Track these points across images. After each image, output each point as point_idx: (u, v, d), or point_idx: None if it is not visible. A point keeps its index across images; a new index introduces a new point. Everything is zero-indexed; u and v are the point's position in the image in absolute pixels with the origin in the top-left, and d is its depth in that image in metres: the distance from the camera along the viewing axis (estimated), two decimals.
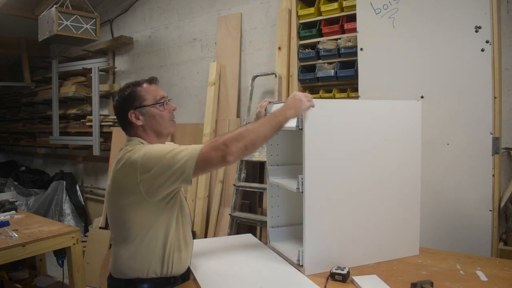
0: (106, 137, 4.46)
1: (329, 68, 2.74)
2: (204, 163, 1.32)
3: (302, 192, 1.55)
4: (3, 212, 2.80)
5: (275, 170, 1.93)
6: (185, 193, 3.41)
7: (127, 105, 1.47)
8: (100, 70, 4.52)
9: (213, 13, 3.67)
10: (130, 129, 1.51)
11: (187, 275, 1.57)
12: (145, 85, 1.51)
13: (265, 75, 3.19)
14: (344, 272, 1.48)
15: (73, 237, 2.41)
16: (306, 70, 2.90)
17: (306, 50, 2.87)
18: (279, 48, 3.04)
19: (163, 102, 1.50)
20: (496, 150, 1.93)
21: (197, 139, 3.54)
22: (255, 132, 1.37)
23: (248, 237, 2.07)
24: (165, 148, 1.37)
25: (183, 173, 1.31)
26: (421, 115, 1.75)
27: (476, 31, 1.94)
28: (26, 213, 2.96)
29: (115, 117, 4.85)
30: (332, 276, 1.49)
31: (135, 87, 1.50)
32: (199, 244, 1.88)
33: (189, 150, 1.33)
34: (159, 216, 1.42)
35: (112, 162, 4.15)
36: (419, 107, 1.75)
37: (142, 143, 1.46)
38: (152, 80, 1.55)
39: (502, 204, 2.04)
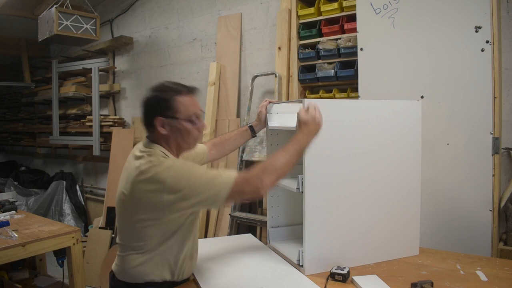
0: (106, 137, 4.47)
1: (329, 68, 2.74)
2: (236, 195, 1.30)
3: (302, 192, 1.55)
4: (3, 212, 2.80)
5: None
6: None
7: (157, 109, 1.37)
8: (100, 70, 4.52)
9: (213, 13, 3.67)
10: (152, 133, 1.42)
11: None
12: (183, 95, 1.39)
13: (265, 75, 3.19)
14: (344, 272, 1.48)
15: (73, 237, 2.41)
16: (306, 70, 2.90)
17: (306, 50, 2.87)
18: (279, 48, 3.04)
19: (193, 120, 1.40)
20: (496, 150, 1.93)
21: None
22: (285, 163, 1.35)
23: (248, 237, 2.07)
24: (196, 170, 1.32)
25: (213, 202, 1.30)
26: (421, 115, 1.75)
27: (476, 31, 1.94)
28: (26, 213, 2.96)
29: (115, 117, 4.83)
30: (332, 276, 1.49)
31: (174, 95, 1.37)
32: (199, 244, 1.88)
33: (222, 179, 1.28)
34: (178, 230, 1.39)
35: (112, 161, 4.16)
36: (419, 107, 1.75)
37: (166, 155, 1.36)
38: (192, 90, 1.42)
39: (502, 204, 2.04)
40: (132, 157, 1.41)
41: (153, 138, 1.42)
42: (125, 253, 1.41)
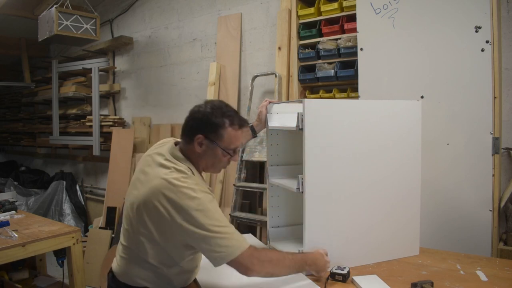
0: (106, 137, 4.47)
1: (329, 68, 2.74)
2: (237, 264, 1.30)
3: (302, 192, 1.55)
4: (3, 212, 2.79)
5: (275, 170, 1.93)
6: None
7: (205, 127, 1.36)
8: (100, 70, 4.52)
9: (213, 13, 3.67)
10: (186, 144, 1.40)
11: None
12: (235, 128, 1.38)
13: (265, 75, 3.19)
14: (344, 272, 1.49)
15: (73, 237, 2.41)
16: (306, 70, 2.90)
17: (306, 50, 2.87)
18: (279, 48, 3.04)
19: (230, 154, 1.41)
20: (496, 150, 1.93)
21: None
22: (283, 271, 1.40)
23: (248, 237, 2.07)
24: (217, 216, 1.28)
25: (214, 258, 1.29)
26: (421, 115, 1.75)
27: (476, 31, 1.94)
28: (26, 213, 2.96)
29: (115, 117, 4.83)
30: (332, 276, 1.49)
31: (227, 124, 1.36)
32: None
33: (233, 242, 1.28)
34: (187, 257, 1.39)
35: (112, 161, 4.16)
36: (419, 107, 1.75)
37: (193, 173, 1.36)
38: (243, 125, 1.42)
39: (502, 204, 2.04)
40: (154, 162, 1.38)
41: (185, 149, 1.40)
42: (130, 258, 1.39)
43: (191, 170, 1.35)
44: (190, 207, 1.25)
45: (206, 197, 1.29)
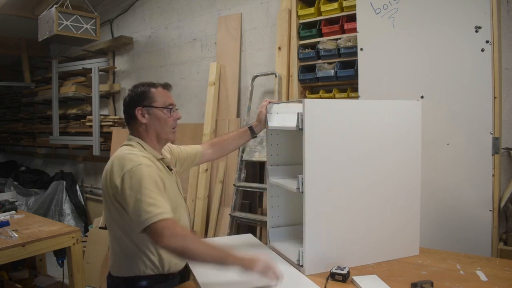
0: (106, 137, 4.47)
1: (329, 68, 2.74)
2: (148, 231, 1.31)
3: (302, 192, 1.55)
4: (3, 212, 2.80)
5: (275, 170, 1.93)
6: (185, 193, 3.42)
7: (137, 101, 1.53)
8: (100, 70, 4.52)
9: (213, 13, 3.67)
10: (133, 125, 1.56)
11: (186, 273, 1.57)
12: (159, 88, 1.57)
13: (265, 75, 3.19)
14: (344, 272, 1.49)
15: (73, 237, 2.41)
16: (306, 70, 2.90)
17: (306, 50, 2.87)
18: (279, 48, 3.04)
19: (170, 109, 1.55)
20: (496, 150, 1.93)
21: (197, 139, 3.54)
22: (198, 253, 1.33)
23: (248, 237, 2.07)
24: (146, 183, 1.36)
25: (135, 222, 1.33)
26: (421, 115, 1.75)
27: (476, 31, 1.94)
28: (26, 213, 2.96)
29: (115, 117, 4.84)
30: (332, 276, 1.49)
31: (149, 87, 1.55)
32: None
33: (154, 209, 1.31)
34: None
35: None
36: (419, 107, 1.75)
37: (141, 145, 1.51)
38: (166, 86, 1.60)
39: (502, 204, 2.04)
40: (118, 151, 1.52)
41: (134, 130, 1.56)
42: (113, 246, 1.50)
43: (140, 144, 1.52)
44: (127, 170, 1.37)
45: (145, 164, 1.40)
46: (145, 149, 1.51)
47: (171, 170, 1.61)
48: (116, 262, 1.49)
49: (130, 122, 1.56)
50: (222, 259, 1.34)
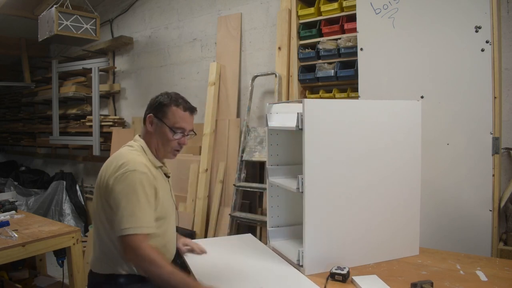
0: (106, 137, 4.46)
1: (329, 68, 2.74)
2: (128, 245, 1.33)
3: (302, 192, 1.55)
4: (3, 212, 2.79)
5: (275, 170, 1.93)
6: (184, 193, 3.43)
7: (153, 107, 1.53)
8: (100, 70, 4.52)
9: (213, 13, 3.67)
10: (144, 127, 1.57)
11: None
12: (180, 108, 1.52)
13: (265, 75, 3.19)
14: (344, 272, 1.49)
15: (73, 237, 2.41)
16: (306, 70, 2.90)
17: (306, 50, 2.87)
18: (279, 48, 3.04)
19: (176, 132, 1.52)
20: (496, 150, 1.93)
21: (197, 139, 3.55)
22: (159, 281, 1.35)
23: (248, 237, 2.07)
24: (137, 197, 1.37)
25: (116, 228, 1.35)
26: (421, 115, 1.75)
27: (476, 31, 1.94)
28: (26, 213, 2.96)
29: (115, 117, 4.84)
30: (332, 276, 1.49)
31: (171, 103, 1.51)
32: (200, 244, 1.88)
33: (136, 221, 1.34)
34: None
35: None
36: (419, 107, 1.75)
37: (143, 149, 1.52)
38: (189, 109, 1.55)
39: (502, 204, 2.04)
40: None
41: (143, 132, 1.58)
42: (95, 242, 1.51)
43: (142, 147, 1.52)
44: (121, 172, 1.38)
45: (139, 170, 1.40)
46: (145, 153, 1.52)
47: (168, 177, 1.61)
48: (96, 258, 1.50)
49: (144, 122, 1.57)
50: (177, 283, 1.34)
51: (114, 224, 1.37)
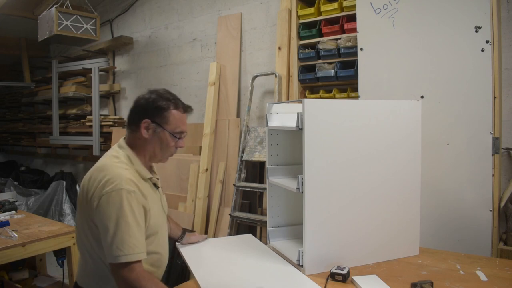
0: (106, 137, 4.46)
1: (329, 68, 2.74)
2: (121, 274, 1.26)
3: (302, 192, 1.55)
4: (3, 212, 2.79)
5: (275, 170, 1.93)
6: (184, 193, 3.42)
7: (149, 112, 1.39)
8: (100, 70, 4.52)
9: (213, 13, 3.67)
10: (133, 133, 1.43)
11: None
12: (179, 110, 1.43)
13: (265, 75, 3.19)
14: (344, 272, 1.49)
15: (73, 237, 2.41)
16: (306, 70, 2.90)
17: (306, 50, 2.87)
18: (279, 48, 3.04)
19: (177, 137, 1.44)
20: (496, 150, 1.93)
21: (197, 139, 3.54)
22: None
23: (248, 237, 2.07)
24: (129, 221, 1.27)
25: (107, 256, 1.27)
26: (421, 115, 1.75)
27: (476, 31, 1.94)
28: (26, 213, 2.96)
29: (115, 117, 4.82)
30: (332, 276, 1.49)
31: (170, 105, 1.41)
32: (199, 244, 1.88)
33: (124, 249, 1.25)
34: None
35: None
36: (419, 107, 1.75)
37: (130, 159, 1.40)
38: (187, 109, 1.47)
39: (502, 204, 2.04)
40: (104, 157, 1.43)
41: (130, 138, 1.45)
42: (83, 257, 1.43)
43: (129, 157, 1.39)
44: (106, 192, 1.27)
45: (126, 189, 1.28)
46: (133, 164, 1.40)
47: (157, 188, 1.51)
48: (87, 275, 1.41)
49: (132, 127, 1.43)
50: None
51: (103, 247, 1.28)
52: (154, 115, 1.39)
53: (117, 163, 1.36)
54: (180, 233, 1.87)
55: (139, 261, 1.28)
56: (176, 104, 1.43)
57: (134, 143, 1.44)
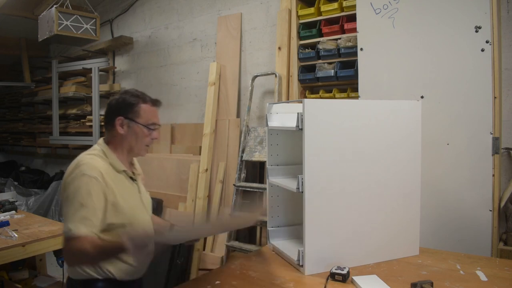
0: None
1: (329, 68, 2.74)
2: (68, 247, 1.32)
3: (302, 192, 1.55)
4: (3, 212, 2.79)
5: (275, 170, 1.93)
6: (184, 193, 3.42)
7: (120, 110, 1.49)
8: (100, 70, 4.52)
9: (213, 13, 3.67)
10: (110, 131, 1.53)
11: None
12: (148, 104, 1.52)
13: (265, 75, 3.19)
14: (344, 272, 1.49)
15: None
16: (306, 70, 2.90)
17: (306, 50, 2.87)
18: (279, 48, 3.04)
19: (150, 128, 1.52)
20: (496, 150, 1.93)
21: (197, 139, 3.54)
22: (97, 261, 1.38)
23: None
24: (86, 197, 1.35)
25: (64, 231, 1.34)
26: (421, 115, 1.75)
27: (476, 31, 1.94)
28: (26, 213, 2.96)
29: None
30: (332, 276, 1.49)
31: (139, 100, 1.50)
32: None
33: (70, 224, 1.31)
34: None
35: None
36: (419, 107, 1.75)
37: (104, 153, 1.48)
38: (156, 103, 1.56)
39: (502, 204, 2.04)
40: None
41: (108, 137, 1.54)
42: None
43: (104, 151, 1.49)
44: (71, 177, 1.38)
45: (88, 175, 1.37)
46: (107, 157, 1.48)
47: (134, 181, 1.56)
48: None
49: (108, 127, 1.53)
50: (110, 254, 1.35)
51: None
52: (126, 111, 1.49)
53: (89, 155, 1.46)
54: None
55: (84, 237, 1.31)
56: (144, 99, 1.52)
57: (111, 141, 1.53)
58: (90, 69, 4.45)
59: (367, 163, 1.65)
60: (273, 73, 3.08)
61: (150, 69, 4.29)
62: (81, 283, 1.45)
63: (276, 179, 1.88)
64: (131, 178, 1.54)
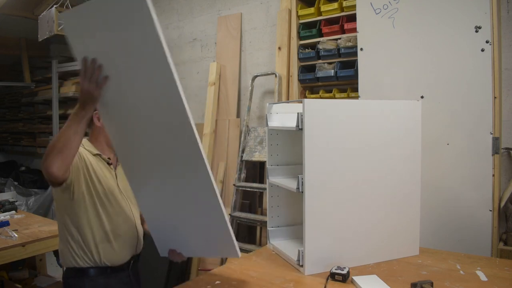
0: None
1: (329, 68, 2.74)
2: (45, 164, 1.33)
3: (302, 192, 1.55)
4: (3, 212, 2.79)
5: (275, 170, 1.93)
6: None
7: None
8: None
9: (213, 13, 3.67)
10: (90, 127, 1.61)
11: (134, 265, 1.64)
12: None
13: (265, 75, 3.19)
14: (344, 272, 1.49)
15: None
16: (306, 70, 2.90)
17: (306, 50, 2.87)
18: (279, 48, 3.04)
19: None
20: (496, 150, 1.93)
21: None
22: (59, 138, 1.38)
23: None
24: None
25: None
26: (421, 115, 1.75)
27: (476, 31, 1.94)
28: (26, 213, 2.97)
29: None
30: (332, 276, 1.49)
31: None
32: None
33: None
34: (74, 210, 1.49)
35: None
36: (419, 107, 1.75)
37: (83, 144, 1.53)
38: None
39: (502, 204, 2.04)
40: None
41: (89, 132, 1.63)
42: (59, 237, 1.57)
43: (83, 144, 1.55)
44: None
45: None
46: (83, 145, 1.56)
47: (110, 165, 1.61)
48: (61, 252, 1.55)
49: (90, 124, 1.60)
50: (74, 121, 1.42)
51: (60, 208, 1.47)
52: None
53: None
54: None
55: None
56: None
57: (91, 134, 1.63)
58: None
59: (367, 163, 1.65)
60: (273, 73, 3.08)
61: None
62: (72, 272, 1.51)
63: (276, 179, 1.88)
64: (107, 163, 1.60)
